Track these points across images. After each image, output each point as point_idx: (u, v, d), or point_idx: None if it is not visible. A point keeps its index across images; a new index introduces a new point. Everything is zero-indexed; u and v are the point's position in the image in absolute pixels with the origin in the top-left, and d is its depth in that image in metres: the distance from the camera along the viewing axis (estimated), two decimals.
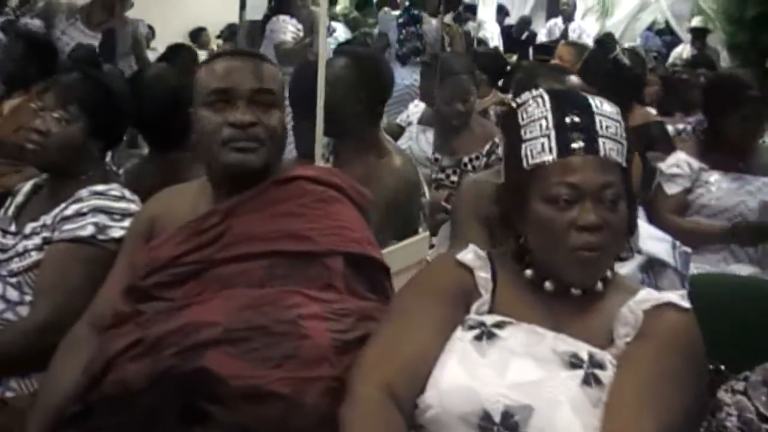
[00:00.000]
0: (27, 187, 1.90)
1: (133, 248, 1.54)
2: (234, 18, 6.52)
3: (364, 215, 1.50)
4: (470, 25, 6.73)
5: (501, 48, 7.24)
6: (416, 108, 3.53)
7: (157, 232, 1.51)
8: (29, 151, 1.79)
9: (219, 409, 1.21)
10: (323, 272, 1.35)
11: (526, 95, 1.29)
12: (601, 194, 1.20)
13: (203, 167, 1.53)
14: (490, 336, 1.19)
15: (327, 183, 1.47)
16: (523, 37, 8.82)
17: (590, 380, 1.14)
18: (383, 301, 1.39)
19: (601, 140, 1.21)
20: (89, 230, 1.68)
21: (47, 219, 1.74)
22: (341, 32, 6.70)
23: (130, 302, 1.41)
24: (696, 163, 2.67)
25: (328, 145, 2.25)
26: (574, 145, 1.21)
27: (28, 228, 1.76)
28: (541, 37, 8.53)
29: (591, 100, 1.26)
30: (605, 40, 3.13)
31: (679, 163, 2.69)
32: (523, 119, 1.26)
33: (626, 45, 4.28)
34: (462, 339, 1.20)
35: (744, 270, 2.54)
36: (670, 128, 3.56)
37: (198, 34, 7.86)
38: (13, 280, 1.72)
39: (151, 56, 5.00)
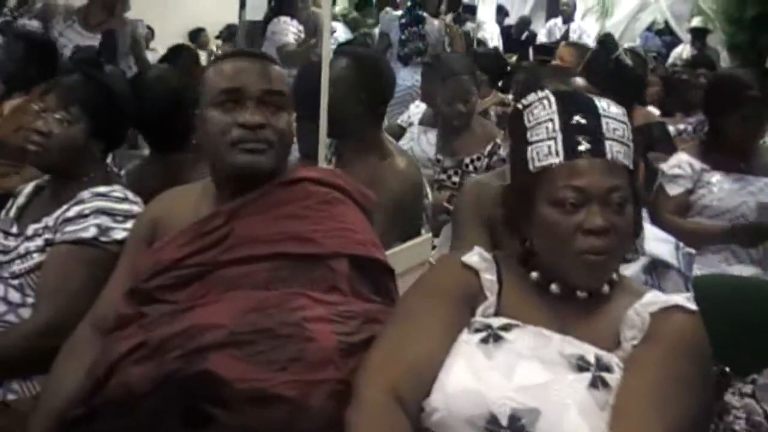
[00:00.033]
0: (28, 188, 1.89)
1: (135, 250, 1.53)
2: (233, 18, 6.53)
3: (368, 217, 1.50)
4: (469, 26, 6.73)
5: (500, 48, 7.23)
6: (417, 109, 3.53)
7: (160, 234, 1.50)
8: (31, 152, 1.79)
9: (223, 412, 1.20)
10: (328, 274, 1.35)
11: (531, 97, 1.28)
12: (608, 198, 1.19)
13: (206, 168, 1.52)
14: (497, 339, 1.19)
15: (331, 184, 1.46)
16: (523, 37, 8.83)
17: (597, 383, 1.14)
18: (388, 304, 1.38)
19: (607, 143, 1.21)
20: (92, 232, 1.68)
21: (49, 220, 1.74)
22: (341, 32, 6.71)
23: (132, 305, 1.41)
24: (698, 164, 2.66)
25: (330, 146, 2.25)
26: (581, 148, 1.20)
27: (30, 229, 1.75)
28: (541, 38, 8.53)
29: (597, 102, 1.25)
30: (607, 41, 3.13)
31: (680, 163, 2.69)
32: (528, 121, 1.26)
33: (626, 45, 4.28)
34: (468, 342, 1.20)
35: (746, 271, 2.54)
36: (670, 128, 3.56)
37: (197, 35, 7.87)
38: (15, 282, 1.71)
39: (151, 57, 5.00)
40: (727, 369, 1.57)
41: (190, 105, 2.01)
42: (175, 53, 3.55)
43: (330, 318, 1.27)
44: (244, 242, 1.37)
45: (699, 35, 6.87)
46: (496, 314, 1.25)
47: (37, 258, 1.71)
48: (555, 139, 1.22)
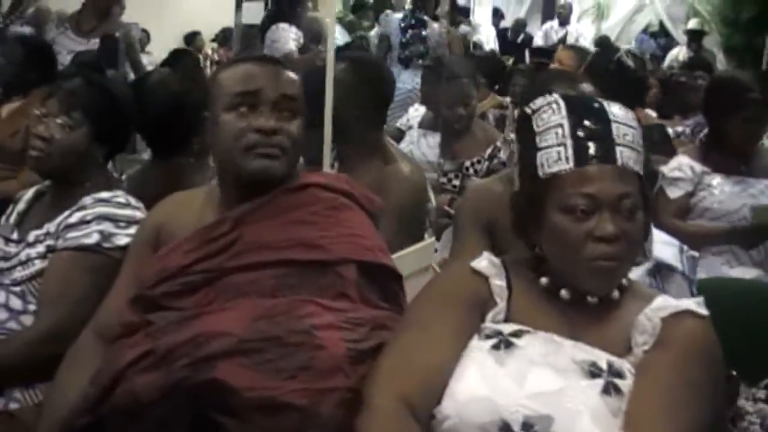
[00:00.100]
0: (29, 194, 1.88)
1: (138, 256, 1.52)
2: (228, 22, 6.52)
3: (375, 222, 1.49)
4: (462, 28, 6.74)
5: (497, 51, 7.25)
6: (416, 112, 3.52)
7: (164, 240, 1.49)
8: (32, 157, 1.77)
9: (232, 421, 1.20)
10: (336, 281, 1.34)
11: (540, 101, 1.27)
12: (619, 204, 1.18)
13: (208, 173, 1.51)
14: (508, 345, 1.18)
15: (338, 190, 1.45)
16: (519, 40, 8.84)
17: (610, 389, 1.13)
18: (396, 310, 1.37)
19: (618, 149, 1.20)
20: (94, 238, 1.66)
21: (51, 227, 1.72)
22: (338, 35, 6.69)
23: (137, 312, 1.39)
24: (698, 167, 2.66)
25: (332, 151, 2.24)
26: (591, 154, 1.19)
27: (32, 236, 1.74)
28: (538, 41, 8.55)
29: (607, 107, 1.24)
30: (608, 43, 3.13)
31: (681, 166, 2.68)
32: (537, 126, 1.25)
33: (623, 47, 4.29)
34: (479, 348, 1.19)
35: (747, 273, 2.54)
36: (669, 131, 3.57)
37: (192, 38, 7.85)
38: (17, 289, 1.70)
39: (146, 60, 4.98)
40: (734, 373, 1.57)
41: (192, 109, 2.00)
42: (177, 57, 3.54)
43: (339, 325, 1.26)
44: (252, 249, 1.36)
45: (695, 37, 6.88)
46: (506, 320, 1.24)
47: (38, 264, 1.70)
48: (565, 144, 1.21)
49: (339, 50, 3.82)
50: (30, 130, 1.81)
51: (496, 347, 1.18)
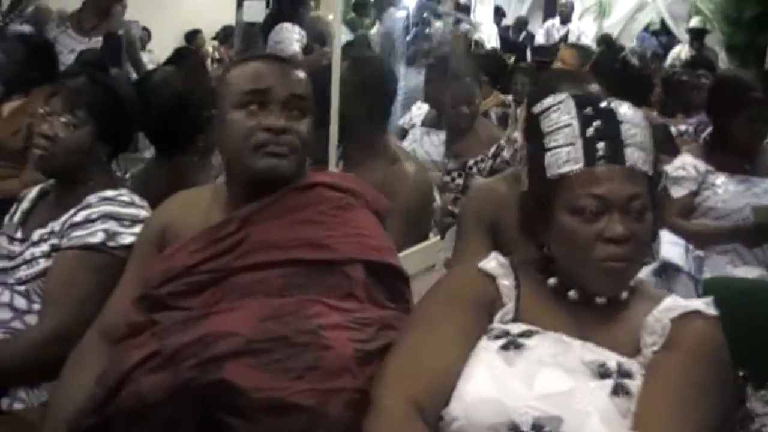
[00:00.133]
0: (33, 193, 1.87)
1: (144, 256, 1.51)
2: (230, 20, 6.51)
3: (381, 221, 1.48)
4: (463, 26, 6.72)
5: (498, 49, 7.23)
6: (419, 110, 3.51)
7: (169, 240, 1.48)
8: (36, 156, 1.77)
9: (240, 421, 1.19)
10: (343, 281, 1.33)
11: (548, 101, 1.26)
12: (628, 206, 1.18)
13: (212, 171, 1.50)
14: (517, 346, 1.18)
15: (345, 189, 1.44)
16: (520, 38, 8.82)
17: (619, 390, 1.13)
18: (403, 310, 1.37)
19: (627, 149, 1.19)
20: (99, 237, 1.66)
21: (55, 225, 1.72)
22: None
23: (143, 312, 1.39)
24: (702, 166, 2.66)
25: (336, 150, 2.23)
26: (600, 154, 1.18)
27: (36, 235, 1.73)
28: (539, 39, 8.54)
29: (616, 107, 1.23)
30: (612, 42, 3.12)
31: (685, 165, 2.68)
32: (546, 127, 1.24)
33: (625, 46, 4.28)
34: (488, 349, 1.18)
35: (751, 272, 2.54)
36: (672, 130, 3.56)
37: (193, 36, 7.84)
38: (21, 288, 1.69)
39: (147, 59, 4.98)
40: (741, 373, 1.56)
41: (196, 108, 2.00)
42: (181, 56, 3.53)
43: (346, 325, 1.26)
44: (259, 248, 1.35)
45: (697, 36, 6.88)
46: (515, 320, 1.24)
47: (43, 264, 1.69)
48: (573, 145, 1.20)
49: (343, 49, 3.81)
50: (34, 129, 1.80)
51: (505, 347, 1.17)
